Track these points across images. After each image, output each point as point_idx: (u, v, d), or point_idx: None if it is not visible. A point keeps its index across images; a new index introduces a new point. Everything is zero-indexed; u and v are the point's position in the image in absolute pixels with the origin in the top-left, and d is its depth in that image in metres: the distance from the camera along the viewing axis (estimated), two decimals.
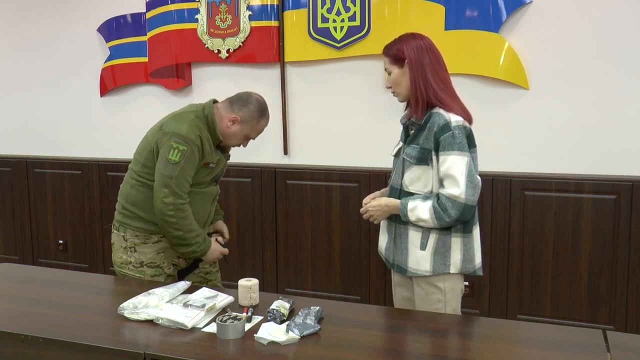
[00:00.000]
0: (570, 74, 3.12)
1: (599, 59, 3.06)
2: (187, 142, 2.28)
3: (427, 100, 2.10)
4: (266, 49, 3.65)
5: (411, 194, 2.13)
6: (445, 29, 3.22)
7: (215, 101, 2.46)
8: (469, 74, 3.24)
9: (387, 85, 2.23)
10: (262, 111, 2.42)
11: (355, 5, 3.40)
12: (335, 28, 3.46)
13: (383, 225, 2.30)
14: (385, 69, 2.20)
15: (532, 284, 3.22)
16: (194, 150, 2.29)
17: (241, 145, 2.49)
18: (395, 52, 2.15)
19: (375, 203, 2.20)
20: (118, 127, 4.18)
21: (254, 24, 3.65)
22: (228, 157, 2.59)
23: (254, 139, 2.48)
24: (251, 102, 2.40)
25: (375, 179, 3.44)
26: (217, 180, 2.55)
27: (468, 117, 2.11)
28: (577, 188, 3.09)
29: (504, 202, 3.21)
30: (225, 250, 2.53)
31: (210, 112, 2.37)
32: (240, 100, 2.40)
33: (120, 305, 1.97)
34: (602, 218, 3.06)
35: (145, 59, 4.00)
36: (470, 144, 2.07)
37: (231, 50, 3.72)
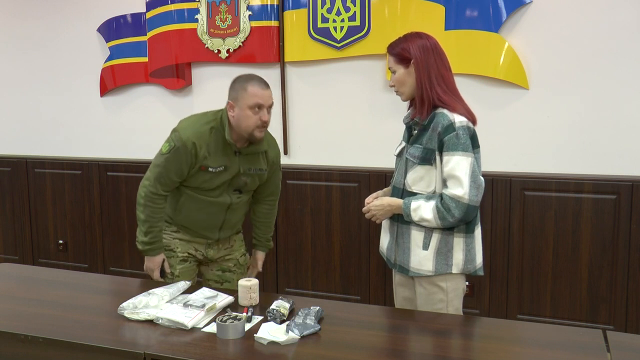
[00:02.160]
0: (570, 74, 3.11)
1: (598, 58, 3.06)
2: (178, 140, 2.31)
3: (433, 101, 2.10)
4: (266, 49, 3.65)
5: (414, 194, 2.13)
6: (445, 29, 3.22)
7: None
8: (469, 74, 3.24)
9: (390, 84, 2.22)
10: (246, 79, 2.33)
11: (355, 5, 3.39)
12: (335, 28, 3.46)
13: (385, 225, 2.29)
14: (390, 68, 2.19)
15: (532, 284, 3.22)
16: (182, 150, 2.30)
17: (262, 122, 2.31)
18: (400, 52, 2.13)
19: (378, 202, 2.20)
20: (118, 127, 4.18)
21: (254, 24, 3.64)
22: (258, 170, 2.46)
23: (263, 106, 2.30)
24: (234, 81, 2.37)
25: (376, 179, 3.44)
26: (242, 191, 2.48)
27: (472, 118, 2.11)
28: (577, 188, 3.09)
29: (504, 202, 3.21)
30: (157, 277, 2.44)
31: (224, 116, 2.36)
32: (229, 88, 2.38)
33: (120, 305, 1.98)
34: (602, 218, 3.06)
35: (145, 59, 4.00)
36: (474, 144, 2.07)
37: (231, 50, 3.72)
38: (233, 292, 2.14)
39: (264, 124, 2.33)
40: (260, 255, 2.70)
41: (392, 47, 2.17)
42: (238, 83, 2.34)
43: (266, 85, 2.35)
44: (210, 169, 2.35)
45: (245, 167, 2.42)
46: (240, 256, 2.63)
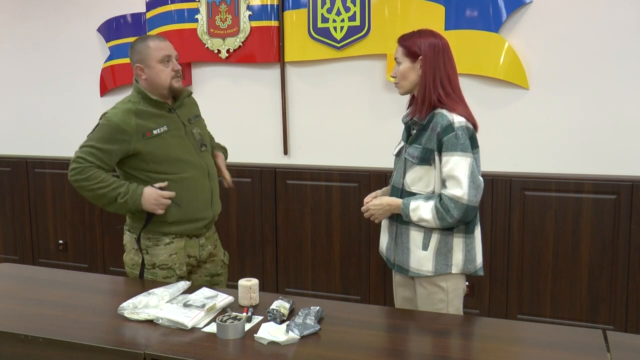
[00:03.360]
0: (570, 74, 3.12)
1: (598, 58, 3.06)
2: (105, 119, 2.34)
3: (433, 102, 2.09)
4: (266, 49, 3.65)
5: (413, 194, 2.13)
6: (445, 29, 3.22)
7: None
8: (469, 74, 3.24)
9: (392, 74, 2.21)
10: (142, 39, 2.42)
11: (355, 5, 3.39)
12: (335, 28, 3.46)
13: (384, 225, 2.29)
14: (395, 58, 2.17)
15: (532, 284, 3.22)
16: (109, 125, 2.30)
17: (175, 72, 2.39)
18: (411, 45, 2.12)
19: (377, 202, 2.20)
20: None
21: (254, 24, 3.64)
22: (195, 117, 2.52)
23: (171, 57, 2.40)
24: (132, 47, 2.43)
25: (376, 179, 3.44)
26: (206, 144, 2.51)
27: (473, 122, 2.10)
28: (577, 188, 3.09)
29: (504, 202, 3.21)
30: (166, 193, 2.32)
31: (136, 86, 2.41)
32: (129, 56, 2.45)
33: (120, 305, 1.97)
34: (602, 218, 3.06)
35: None
36: (473, 144, 2.07)
37: (231, 50, 3.72)
38: (233, 292, 2.14)
39: (178, 73, 2.40)
40: (221, 157, 2.65)
41: (403, 39, 2.16)
42: (137, 45, 2.40)
43: (160, 37, 2.47)
44: (155, 131, 2.34)
45: (185, 119, 2.46)
46: (223, 256, 2.67)
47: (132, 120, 2.31)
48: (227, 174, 2.61)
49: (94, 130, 2.35)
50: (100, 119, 2.38)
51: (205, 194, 2.46)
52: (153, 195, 2.31)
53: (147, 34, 3.94)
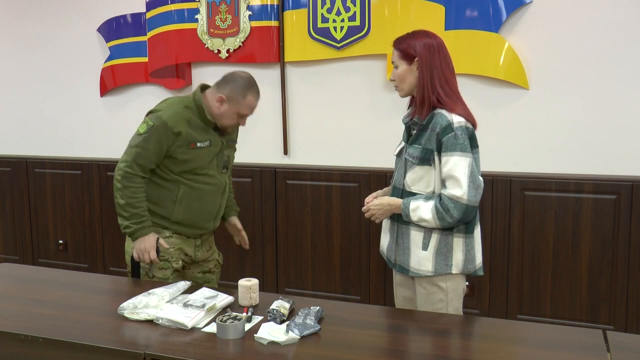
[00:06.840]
0: (570, 74, 3.12)
1: (599, 58, 3.06)
2: (157, 119, 2.36)
3: (433, 102, 2.09)
4: (266, 49, 3.65)
5: (413, 194, 2.13)
6: (445, 29, 3.22)
7: (205, 86, 2.52)
8: (469, 74, 3.24)
9: (391, 78, 2.21)
10: (247, 86, 2.41)
11: (355, 5, 3.40)
12: (335, 28, 3.46)
13: (385, 224, 2.30)
14: (393, 62, 2.18)
15: (532, 284, 3.22)
16: (161, 128, 2.34)
17: (240, 124, 2.49)
18: (406, 48, 2.12)
19: (378, 202, 2.20)
20: (118, 127, 4.18)
21: (254, 24, 3.65)
22: (232, 141, 2.60)
23: (249, 114, 2.47)
24: (234, 79, 2.43)
25: (376, 179, 3.44)
26: (228, 167, 2.58)
27: (472, 121, 2.10)
28: (577, 188, 3.09)
29: (504, 202, 3.21)
30: (154, 257, 2.38)
31: (199, 98, 2.44)
32: (225, 79, 2.45)
33: (120, 305, 1.98)
34: (602, 218, 3.06)
35: (145, 59, 4.00)
36: (472, 144, 2.07)
37: (231, 50, 3.72)
38: (233, 291, 2.14)
39: (237, 126, 2.51)
40: (237, 220, 2.78)
41: (398, 42, 2.16)
42: (239, 86, 2.40)
43: (259, 95, 2.47)
44: (198, 144, 2.40)
45: (225, 140, 2.53)
46: (218, 255, 2.73)
47: (183, 126, 2.36)
48: (245, 237, 2.78)
49: (146, 130, 2.36)
50: (151, 113, 2.41)
51: (213, 208, 2.54)
52: (149, 244, 2.38)
53: (147, 33, 3.95)
